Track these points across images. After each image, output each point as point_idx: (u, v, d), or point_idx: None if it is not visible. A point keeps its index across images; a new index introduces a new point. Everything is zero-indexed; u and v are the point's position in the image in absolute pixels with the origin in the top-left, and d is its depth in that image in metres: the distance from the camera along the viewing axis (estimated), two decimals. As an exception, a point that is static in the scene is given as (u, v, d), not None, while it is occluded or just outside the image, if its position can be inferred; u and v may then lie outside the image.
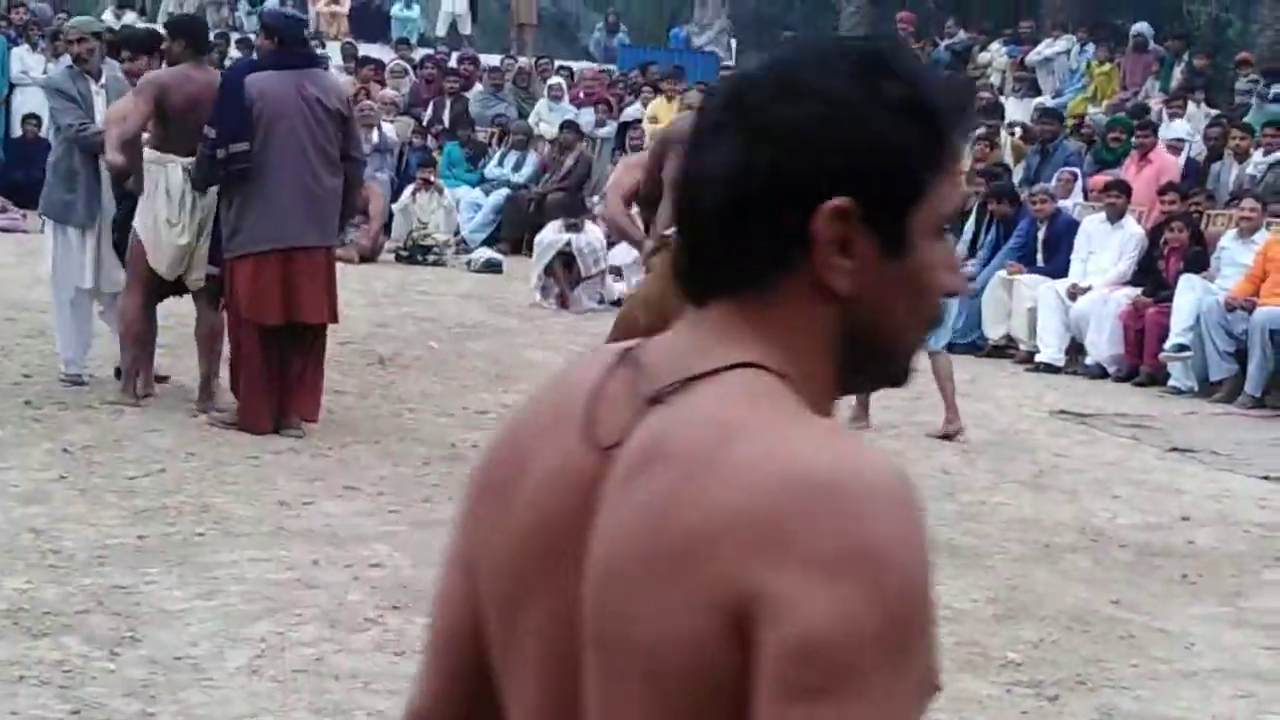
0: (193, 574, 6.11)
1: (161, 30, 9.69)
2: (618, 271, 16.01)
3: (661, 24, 33.71)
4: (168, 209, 8.79)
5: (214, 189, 8.72)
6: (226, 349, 9.03)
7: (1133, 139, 16.13)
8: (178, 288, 9.10)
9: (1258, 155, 15.48)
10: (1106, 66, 21.56)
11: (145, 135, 8.89)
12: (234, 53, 23.94)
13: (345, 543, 6.65)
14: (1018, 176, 16.05)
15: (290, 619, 5.65)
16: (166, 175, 8.80)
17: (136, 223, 8.92)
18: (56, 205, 9.45)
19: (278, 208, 8.52)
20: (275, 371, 8.70)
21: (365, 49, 25.54)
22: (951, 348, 13.94)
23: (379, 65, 23.48)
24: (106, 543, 6.44)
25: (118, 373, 9.49)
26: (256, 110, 8.49)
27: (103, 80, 9.48)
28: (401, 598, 5.96)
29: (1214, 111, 19.05)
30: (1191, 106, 19.03)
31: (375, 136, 19.84)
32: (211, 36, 9.24)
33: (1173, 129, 17.49)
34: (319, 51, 16.76)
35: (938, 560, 5.06)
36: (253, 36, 24.12)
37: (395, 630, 5.61)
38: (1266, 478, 9.61)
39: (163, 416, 8.85)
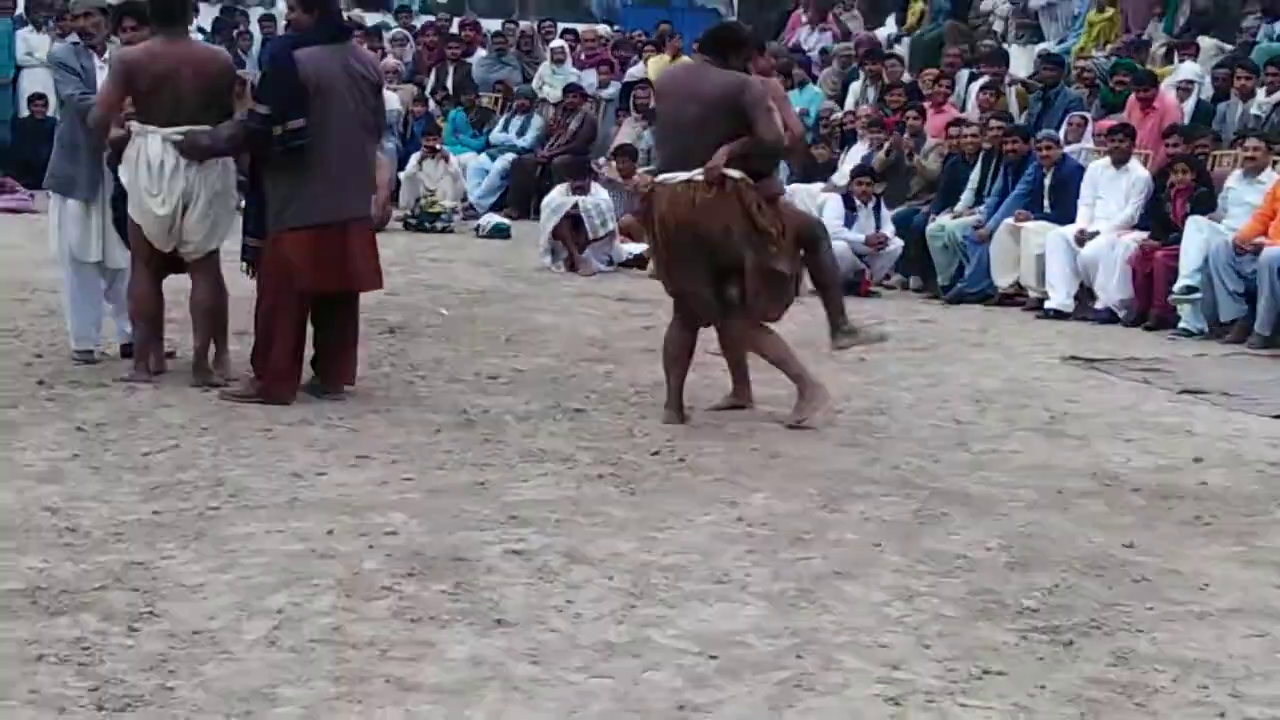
0: (209, 548, 6.13)
1: None
2: (627, 232, 16.02)
3: (663, -17, 33.56)
4: (147, 180, 8.83)
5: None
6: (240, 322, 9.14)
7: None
8: (182, 265, 9.15)
9: (1262, 94, 15.44)
10: (1108, 11, 21.43)
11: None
12: (252, 29, 23.97)
13: (360, 511, 6.67)
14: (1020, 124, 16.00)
15: (307, 589, 5.67)
16: (146, 146, 8.84)
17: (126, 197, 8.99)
18: (60, 178, 9.50)
19: (335, 180, 8.69)
20: (303, 342, 8.89)
21: (368, 17, 25.51)
22: (961, 297, 14.06)
23: (377, 32, 23.48)
24: (122, 519, 6.46)
25: (124, 350, 9.54)
26: (312, 87, 8.58)
27: (106, 55, 9.49)
28: (416, 565, 5.98)
29: (1229, 47, 18.99)
30: (1204, 43, 18.95)
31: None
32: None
33: (1182, 70, 17.42)
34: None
35: (951, 510, 5.14)
36: (271, 10, 24.18)
37: (411, 597, 5.63)
38: (1277, 417, 9.60)
39: (175, 392, 8.88)
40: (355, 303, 9.13)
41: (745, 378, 9.18)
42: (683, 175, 8.42)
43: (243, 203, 9.14)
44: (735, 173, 8.39)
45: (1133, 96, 15.89)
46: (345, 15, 23.66)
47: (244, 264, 9.03)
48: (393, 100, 20.19)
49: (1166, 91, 16.12)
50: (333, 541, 6.25)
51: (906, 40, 23.29)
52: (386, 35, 23.80)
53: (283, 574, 5.83)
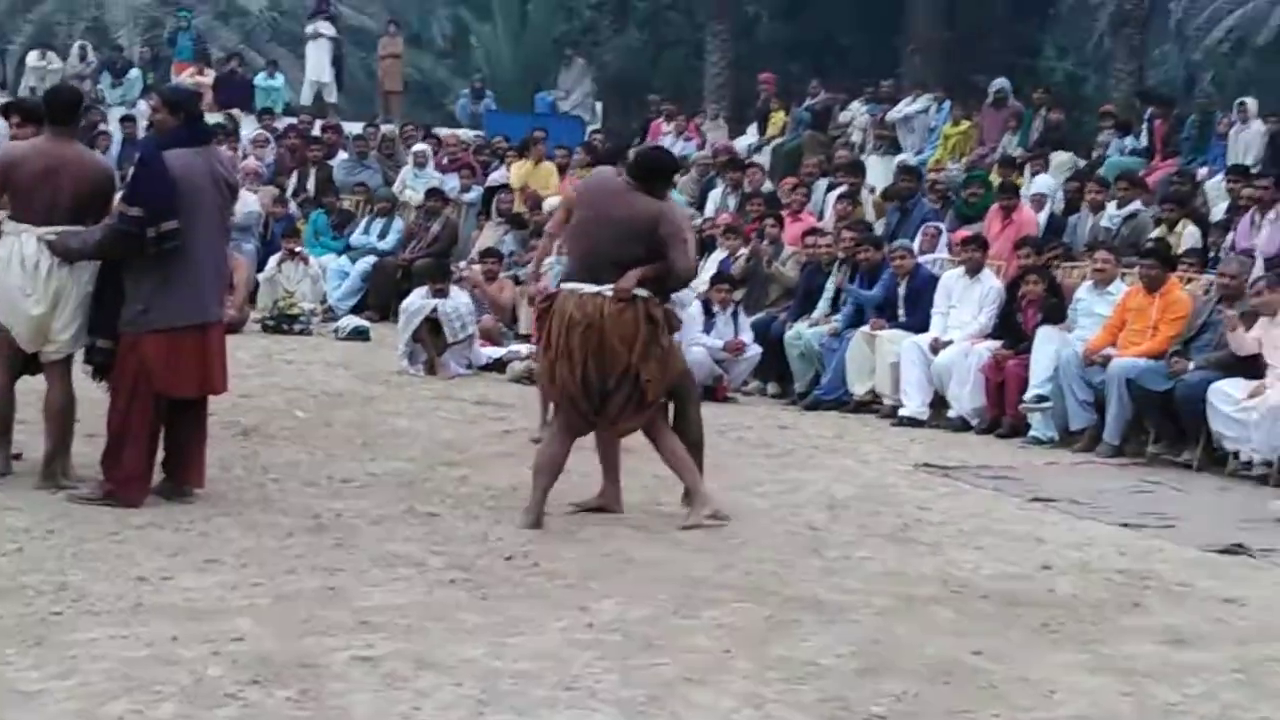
0: (50, 653, 6.02)
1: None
2: (487, 336, 16.03)
3: (527, 90, 33.84)
4: (21, 279, 8.71)
5: (71, 264, 8.70)
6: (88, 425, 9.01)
7: (991, 195, 16.43)
8: (32, 365, 9.01)
9: (1112, 208, 15.78)
10: (963, 125, 21.90)
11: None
12: (110, 128, 23.82)
13: (205, 617, 6.58)
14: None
15: (148, 696, 5.57)
16: (21, 245, 8.72)
17: None
18: None
19: (197, 283, 8.67)
20: (156, 445, 8.80)
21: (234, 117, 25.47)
22: (818, 404, 14.17)
23: (236, 133, 23.49)
24: (-39, 624, 6.33)
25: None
26: (182, 189, 8.55)
27: None
28: (262, 671, 5.90)
29: (1082, 162, 19.44)
30: (1057, 158, 19.39)
31: (239, 208, 19.74)
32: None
33: (1035, 184, 17.79)
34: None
35: (802, 617, 5.17)
36: (132, 111, 24.06)
37: (255, 705, 5.56)
38: (1126, 525, 9.75)
39: (21, 495, 8.72)
40: (205, 404, 9.07)
41: (616, 480, 9.22)
42: (592, 288, 8.61)
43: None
44: (643, 292, 8.63)
45: (994, 206, 16.20)
46: (223, 115, 23.80)
47: (89, 366, 8.90)
48: (253, 202, 20.10)
49: (1023, 204, 16.44)
50: (177, 647, 6.16)
51: (767, 150, 23.61)
52: (246, 136, 23.77)
53: (124, 681, 5.73)
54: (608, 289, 8.60)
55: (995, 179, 17.66)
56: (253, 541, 7.99)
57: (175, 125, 8.78)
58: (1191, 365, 11.99)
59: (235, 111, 25.58)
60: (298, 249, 18.85)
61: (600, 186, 9.21)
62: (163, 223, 8.47)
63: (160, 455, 8.90)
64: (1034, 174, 18.26)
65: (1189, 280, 13.37)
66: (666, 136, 24.36)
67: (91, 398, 9.18)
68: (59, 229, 8.73)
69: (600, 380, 8.67)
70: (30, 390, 9.28)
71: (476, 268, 17.43)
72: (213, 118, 24.97)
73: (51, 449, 8.99)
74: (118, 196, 8.93)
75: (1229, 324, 11.83)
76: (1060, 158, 19.64)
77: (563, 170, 21.15)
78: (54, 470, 8.97)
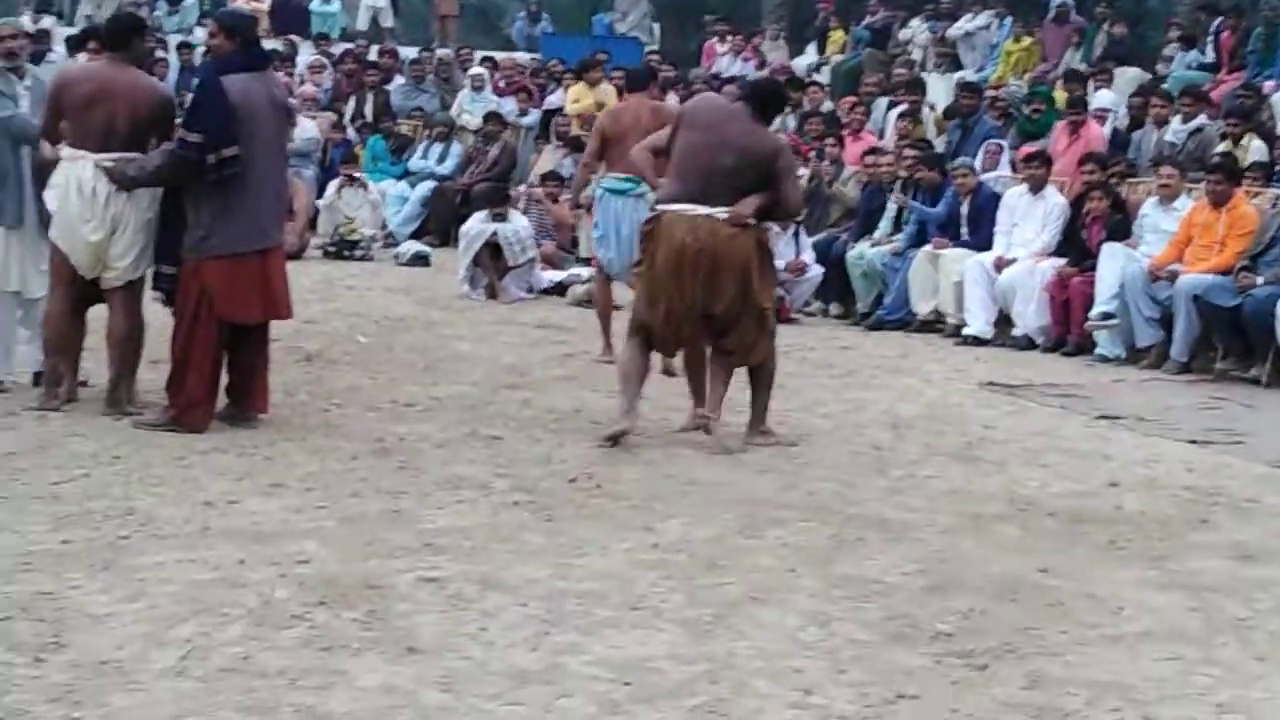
0: (118, 577, 6.05)
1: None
2: (547, 260, 16.01)
3: (584, 11, 33.62)
4: (80, 205, 8.73)
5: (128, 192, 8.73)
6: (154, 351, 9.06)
7: (1054, 111, 16.25)
8: (99, 294, 9.03)
9: (1176, 122, 15.59)
10: (1025, 41, 21.67)
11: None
12: (168, 55, 23.87)
13: (271, 540, 6.61)
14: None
15: (216, 619, 5.60)
16: (78, 171, 8.74)
17: (52, 222, 8.86)
18: None
19: (256, 209, 8.68)
20: (219, 371, 8.84)
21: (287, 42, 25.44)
22: (881, 324, 14.11)
23: (292, 59, 23.49)
24: (30, 549, 6.37)
25: (36, 378, 9.40)
26: (241, 115, 8.54)
27: (27, 81, 9.37)
28: (328, 593, 5.92)
29: (1147, 76, 19.20)
30: (1122, 73, 19.16)
31: (297, 134, 19.76)
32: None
33: (1099, 99, 17.59)
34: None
35: (867, 535, 5.12)
36: (189, 38, 24.04)
37: (321, 626, 5.57)
38: (1194, 441, 9.67)
39: (87, 421, 8.77)
40: (268, 330, 9.08)
41: (703, 398, 9.19)
42: (704, 209, 8.65)
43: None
44: (753, 220, 8.76)
45: (1061, 122, 16.01)
46: (280, 42, 23.82)
47: (159, 293, 8.94)
48: (311, 128, 20.11)
49: (1092, 121, 16.24)
50: (243, 570, 6.19)
51: (826, 70, 23.42)
52: (303, 62, 23.74)
53: (191, 603, 5.76)
54: (720, 212, 8.64)
55: (1060, 95, 17.46)
56: (317, 465, 8.02)
57: (232, 50, 8.76)
58: (1260, 280, 11.85)
59: (293, 38, 25.53)
60: (356, 174, 18.84)
61: (717, 110, 9.20)
62: (223, 149, 8.46)
63: (225, 381, 8.93)
64: (1097, 89, 18.04)
65: (1255, 194, 13.18)
66: (724, 58, 24.21)
67: (157, 324, 9.20)
68: (116, 155, 8.73)
69: (706, 303, 8.73)
70: (97, 317, 9.31)
71: (538, 190, 17.38)
72: (270, 44, 25.06)
73: (116, 375, 9.03)
74: (178, 122, 8.91)
75: None
76: (1126, 73, 19.40)
77: (620, 92, 21.02)
78: (119, 397, 9.01)
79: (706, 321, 8.86)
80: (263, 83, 8.78)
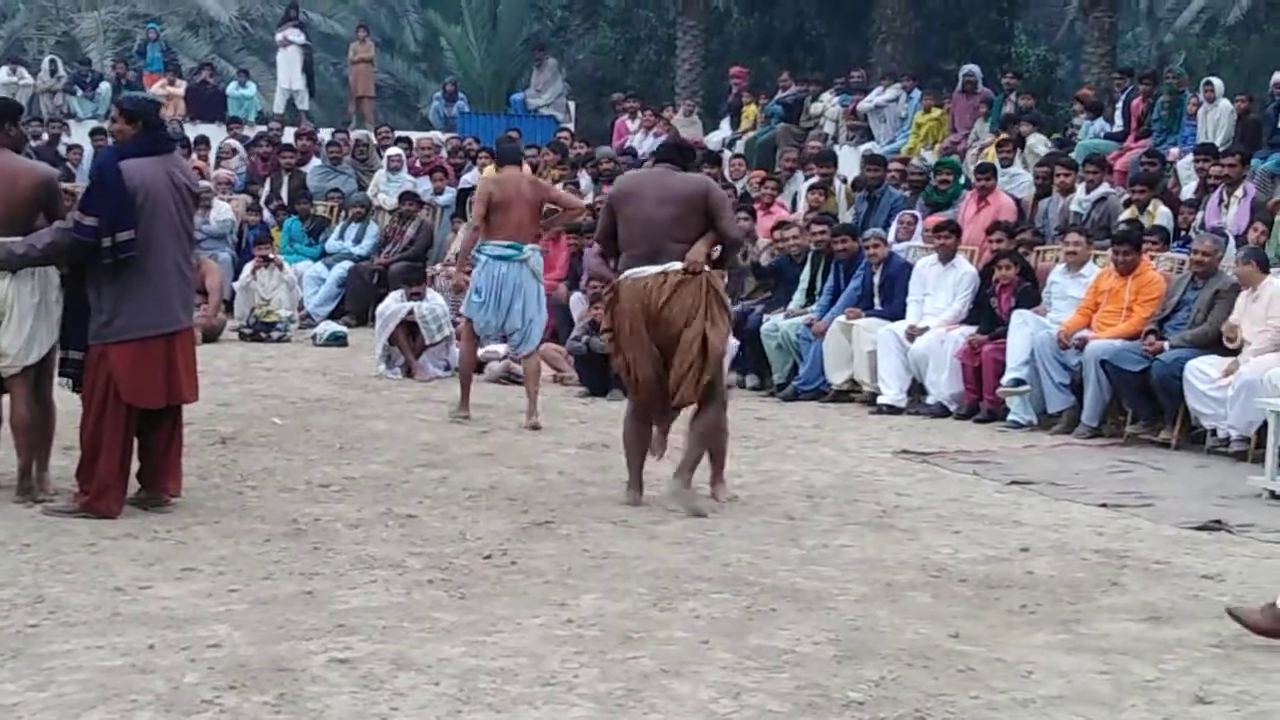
0: (26, 666, 6.01)
1: None
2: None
3: (500, 90, 33.80)
4: None
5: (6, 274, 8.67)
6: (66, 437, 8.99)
7: (962, 180, 16.44)
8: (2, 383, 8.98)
9: (1081, 191, 15.80)
10: (935, 113, 21.93)
11: None
12: (73, 139, 23.87)
13: (182, 624, 6.57)
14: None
15: (125, 705, 5.57)
16: None
17: None
18: None
19: (160, 292, 8.65)
20: (130, 455, 8.78)
21: (202, 128, 25.48)
22: (796, 394, 14.19)
23: (206, 142, 23.53)
24: (-63, 640, 6.32)
25: (-52, 468, 9.34)
26: (139, 198, 8.53)
27: None
28: (239, 677, 5.89)
29: (1047, 148, 19.45)
30: (1033, 141, 19.39)
31: (213, 216, 19.76)
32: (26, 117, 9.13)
33: (1007, 174, 17.79)
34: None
35: (780, 605, 5.16)
36: (104, 124, 23.97)
37: (232, 710, 5.55)
38: (1104, 505, 9.78)
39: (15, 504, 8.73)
40: (180, 412, 9.03)
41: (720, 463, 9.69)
42: (657, 268, 9.13)
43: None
44: (706, 266, 9.22)
45: (971, 190, 16.17)
46: (171, 127, 23.82)
47: (66, 379, 8.89)
48: (226, 210, 20.11)
49: (1000, 190, 16.42)
50: (153, 656, 6.15)
51: (740, 144, 23.62)
52: (216, 145, 23.77)
53: (100, 690, 5.72)
54: (672, 266, 9.11)
55: (986, 158, 17.69)
56: (230, 548, 7.99)
57: (134, 135, 8.76)
58: (1167, 345, 12.01)
59: (205, 128, 25.59)
60: (271, 255, 18.81)
61: (643, 179, 9.73)
62: (118, 232, 8.45)
63: (136, 466, 8.88)
64: (1002, 164, 18.24)
65: (1153, 257, 13.37)
66: (636, 135, 24.37)
67: (69, 410, 9.15)
68: None
69: (665, 355, 9.19)
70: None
71: (453, 269, 17.39)
72: (190, 130, 25.09)
73: (24, 463, 8.95)
74: (75, 205, 8.89)
75: (1228, 333, 11.76)
76: (1031, 141, 19.67)
77: (534, 169, 21.15)
78: (29, 484, 8.95)
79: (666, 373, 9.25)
80: (164, 166, 8.76)
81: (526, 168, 13.99)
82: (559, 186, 20.02)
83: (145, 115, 8.90)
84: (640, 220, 9.26)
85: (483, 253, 12.21)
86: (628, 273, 9.26)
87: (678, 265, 9.14)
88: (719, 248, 9.37)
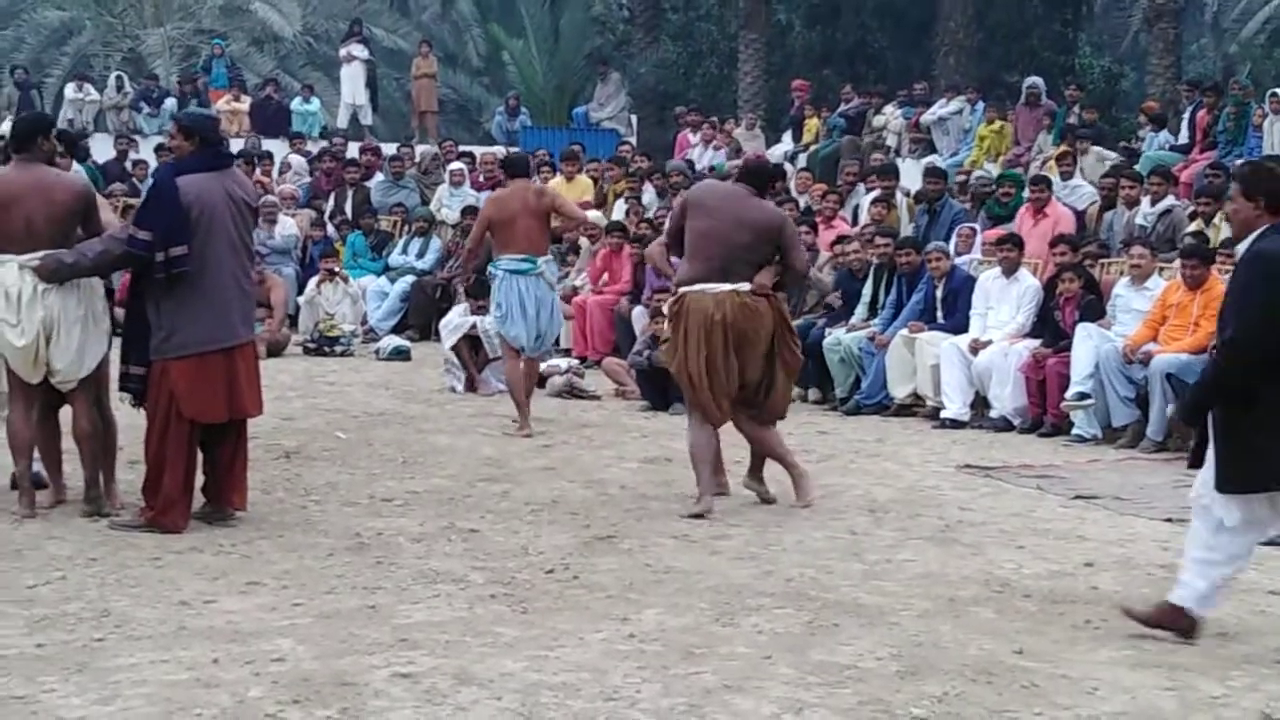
0: (91, 680, 6.06)
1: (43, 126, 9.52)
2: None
3: (562, 104, 33.88)
4: (4, 309, 8.74)
5: (54, 287, 8.74)
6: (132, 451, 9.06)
7: (1024, 193, 16.36)
8: (65, 396, 9.05)
9: (1146, 204, 15.71)
10: (997, 124, 21.84)
11: None
12: (141, 156, 24.11)
13: (246, 638, 6.61)
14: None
15: (189, 719, 5.60)
16: (1, 275, 8.77)
17: None
18: None
19: (218, 307, 8.72)
20: (194, 470, 8.83)
21: (267, 144, 25.66)
22: (859, 409, 14.15)
23: (270, 157, 23.73)
24: (4, 653, 6.37)
25: (13, 482, 9.37)
26: (195, 213, 8.59)
27: None
28: (303, 690, 5.92)
29: (1113, 158, 19.37)
30: (1095, 154, 19.30)
31: (277, 231, 19.89)
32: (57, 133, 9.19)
33: (1068, 186, 17.71)
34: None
35: (842, 621, 5.14)
36: (162, 139, 24.19)
37: (296, 724, 5.59)
38: (1169, 520, 9.69)
39: (64, 523, 8.79)
40: (244, 426, 9.09)
41: (778, 459, 9.94)
42: (728, 286, 9.42)
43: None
44: (772, 290, 9.59)
45: (1025, 204, 16.12)
46: (249, 142, 24.05)
47: (127, 394, 8.95)
48: (290, 225, 20.24)
49: (1057, 201, 16.36)
50: (218, 670, 6.19)
51: (803, 157, 23.60)
52: (281, 160, 23.95)
53: (165, 704, 5.76)
54: (743, 286, 9.42)
55: (1049, 170, 17.64)
56: (294, 562, 8.03)
57: (192, 151, 8.83)
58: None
59: (269, 143, 25.77)
60: (336, 269, 18.94)
61: (723, 194, 9.93)
62: (171, 248, 8.51)
63: (201, 480, 8.94)
64: (1064, 177, 18.15)
65: (1226, 272, 13.25)
66: (695, 148, 24.37)
67: (136, 424, 9.22)
68: (42, 254, 8.72)
69: (741, 371, 9.48)
70: (67, 420, 9.31)
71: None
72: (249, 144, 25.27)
73: (90, 475, 9.03)
74: (130, 218, 8.95)
75: None
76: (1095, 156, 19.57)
77: (596, 182, 21.24)
78: (95, 495, 9.02)
79: (739, 392, 9.57)
80: (221, 181, 8.81)
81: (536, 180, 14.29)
82: (620, 201, 20.21)
83: (203, 131, 8.97)
84: (714, 237, 9.50)
85: (498, 268, 12.57)
86: (698, 286, 9.46)
87: (746, 286, 9.45)
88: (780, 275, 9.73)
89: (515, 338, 12.54)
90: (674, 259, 10.04)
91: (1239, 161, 17.94)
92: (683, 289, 9.54)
